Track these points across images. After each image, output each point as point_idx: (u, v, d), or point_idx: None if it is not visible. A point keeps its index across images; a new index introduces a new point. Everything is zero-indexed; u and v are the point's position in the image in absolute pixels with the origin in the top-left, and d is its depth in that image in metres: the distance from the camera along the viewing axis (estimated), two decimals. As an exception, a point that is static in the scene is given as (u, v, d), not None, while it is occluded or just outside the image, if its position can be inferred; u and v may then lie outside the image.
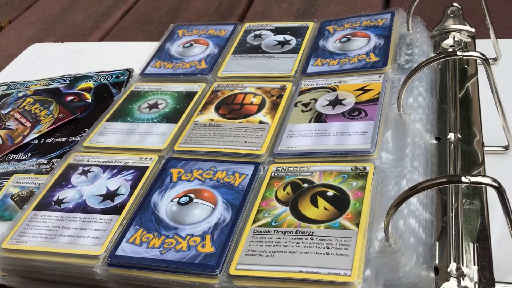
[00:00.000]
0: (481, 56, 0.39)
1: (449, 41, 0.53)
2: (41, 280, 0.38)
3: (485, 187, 0.38)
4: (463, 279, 0.33)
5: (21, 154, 0.51)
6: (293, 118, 0.46)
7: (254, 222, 0.37)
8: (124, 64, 0.62)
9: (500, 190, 0.29)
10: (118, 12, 0.79)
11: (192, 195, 0.40)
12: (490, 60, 0.52)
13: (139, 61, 0.59)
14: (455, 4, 0.54)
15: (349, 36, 0.54)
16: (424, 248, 0.35)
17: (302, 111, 0.47)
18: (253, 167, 0.42)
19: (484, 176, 0.30)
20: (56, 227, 0.39)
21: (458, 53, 0.39)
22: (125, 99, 0.52)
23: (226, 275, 0.34)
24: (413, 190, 0.31)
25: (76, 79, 0.61)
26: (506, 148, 0.43)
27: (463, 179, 0.29)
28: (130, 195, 0.41)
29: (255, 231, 0.36)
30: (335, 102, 0.46)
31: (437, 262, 0.34)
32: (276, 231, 0.36)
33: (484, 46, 0.53)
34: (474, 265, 0.34)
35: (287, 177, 0.40)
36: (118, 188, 0.42)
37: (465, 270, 0.33)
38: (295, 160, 0.42)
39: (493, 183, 0.29)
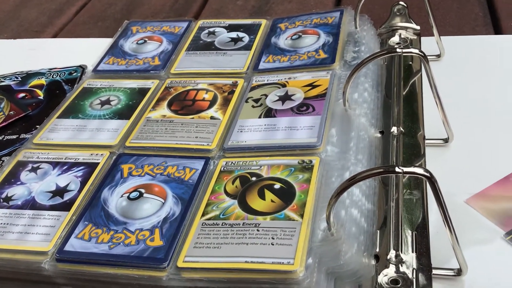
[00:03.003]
0: (419, 53, 0.40)
1: (395, 39, 0.55)
2: (-11, 278, 0.38)
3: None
4: (401, 266, 0.35)
5: (-30, 152, 0.51)
6: (243, 113, 0.47)
7: (203, 215, 0.38)
8: (77, 60, 0.62)
9: (431, 180, 0.31)
10: (72, 9, 0.78)
11: (143, 190, 0.40)
12: (433, 57, 0.55)
13: (93, 57, 0.58)
14: (401, 2, 0.56)
15: (300, 34, 0.55)
16: (366, 236, 0.36)
17: (253, 106, 0.48)
18: (203, 162, 0.42)
19: (417, 166, 0.31)
20: (4, 224, 0.39)
21: (398, 50, 0.40)
22: (77, 95, 0.52)
23: (174, 268, 0.35)
24: (352, 180, 0.32)
25: (28, 76, 0.60)
26: (446, 140, 0.45)
27: (397, 169, 0.31)
28: (79, 191, 0.41)
29: (204, 224, 0.37)
30: (285, 98, 0.47)
31: (377, 250, 0.36)
32: (224, 224, 0.37)
33: (429, 43, 0.56)
34: (413, 252, 0.36)
35: (236, 171, 0.41)
36: (68, 184, 0.42)
37: (403, 257, 0.35)
38: (245, 154, 0.43)
39: (425, 173, 0.31)
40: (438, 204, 0.32)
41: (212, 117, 0.47)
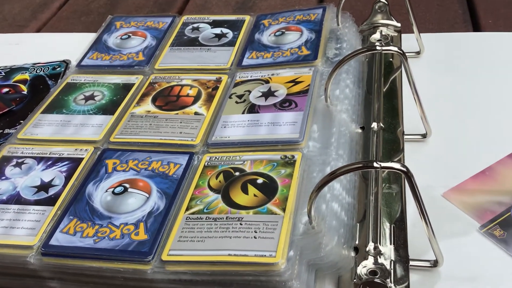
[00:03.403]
0: (398, 51, 0.41)
1: (376, 36, 0.56)
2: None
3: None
4: (380, 257, 0.36)
5: (-47, 147, 0.50)
6: (227, 109, 0.48)
7: (187, 209, 0.38)
8: (61, 55, 0.62)
9: (408, 175, 0.32)
10: (56, 3, 0.78)
11: (127, 185, 0.41)
12: (413, 53, 0.56)
13: (77, 52, 0.59)
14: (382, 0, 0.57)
15: (283, 30, 0.56)
16: (346, 229, 0.37)
17: (236, 102, 0.48)
18: (187, 157, 0.43)
19: (394, 161, 0.32)
20: (-11, 219, 0.39)
21: (377, 47, 0.41)
22: (61, 91, 0.52)
23: (159, 261, 0.35)
24: (332, 175, 0.33)
25: (11, 71, 0.60)
26: (424, 136, 0.46)
27: (375, 164, 0.32)
28: (64, 186, 0.41)
29: (188, 218, 0.38)
30: (268, 94, 0.48)
31: (357, 242, 0.37)
32: (207, 218, 0.37)
33: (410, 40, 0.57)
34: (391, 244, 0.37)
35: (220, 166, 0.42)
36: (53, 179, 0.42)
37: (382, 249, 0.36)
38: (228, 149, 0.43)
39: (402, 168, 0.32)
40: (414, 198, 0.33)
41: (196, 113, 0.48)
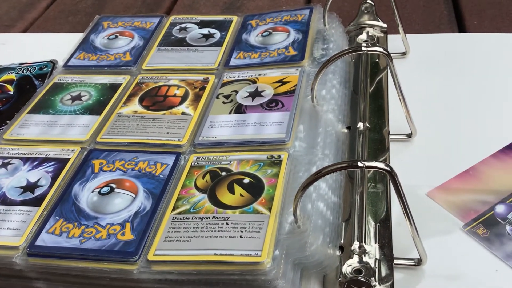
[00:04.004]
0: (383, 51, 0.42)
1: (363, 36, 0.56)
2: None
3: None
4: (364, 256, 0.36)
5: None
6: (214, 109, 0.48)
7: (173, 209, 0.39)
8: (48, 55, 0.62)
9: (392, 174, 0.32)
10: (43, 3, 0.77)
11: (114, 185, 0.41)
12: (399, 54, 0.57)
13: (64, 52, 0.59)
14: (368, 1, 0.57)
15: (270, 31, 0.56)
16: (331, 228, 0.37)
17: (223, 102, 0.48)
18: (174, 157, 0.43)
19: (378, 161, 0.32)
20: (-26, 220, 0.39)
21: (363, 48, 0.42)
22: (48, 91, 0.52)
23: (145, 261, 0.35)
24: (318, 175, 0.33)
25: (-3, 71, 0.60)
26: (409, 136, 0.47)
27: (359, 164, 0.32)
28: (50, 186, 0.41)
29: (174, 218, 0.38)
30: (255, 94, 0.48)
31: (342, 241, 0.37)
32: (194, 218, 0.38)
33: (397, 41, 0.57)
34: (376, 243, 0.37)
35: (206, 166, 0.42)
36: (39, 180, 0.42)
37: (367, 248, 0.37)
38: (215, 149, 0.44)
39: (385, 168, 0.32)
40: (398, 197, 0.33)
41: (183, 113, 0.48)
